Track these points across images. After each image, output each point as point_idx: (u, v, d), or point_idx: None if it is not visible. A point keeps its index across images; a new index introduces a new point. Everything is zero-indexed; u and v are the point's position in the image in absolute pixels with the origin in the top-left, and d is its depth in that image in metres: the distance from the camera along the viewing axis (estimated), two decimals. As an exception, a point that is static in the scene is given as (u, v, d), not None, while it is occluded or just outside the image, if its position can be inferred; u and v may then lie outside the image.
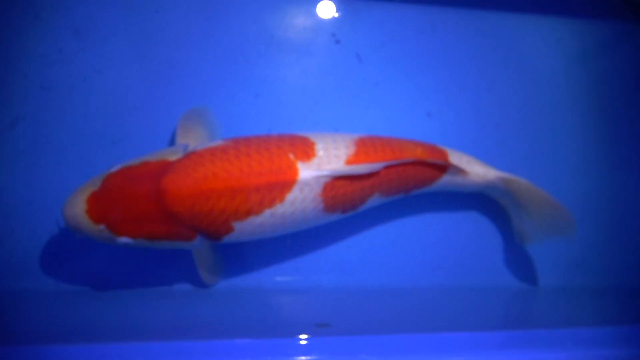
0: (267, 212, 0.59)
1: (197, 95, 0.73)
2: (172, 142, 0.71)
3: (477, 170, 0.69)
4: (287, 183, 0.59)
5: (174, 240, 0.59)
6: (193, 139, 0.65)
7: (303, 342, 0.49)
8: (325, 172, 0.60)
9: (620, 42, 0.84)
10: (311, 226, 0.65)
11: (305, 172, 0.59)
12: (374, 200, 0.66)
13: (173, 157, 0.59)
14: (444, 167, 0.68)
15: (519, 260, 0.77)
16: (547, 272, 0.77)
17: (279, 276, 0.72)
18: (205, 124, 0.68)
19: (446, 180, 0.69)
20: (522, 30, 0.82)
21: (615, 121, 0.82)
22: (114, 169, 0.58)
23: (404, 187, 0.67)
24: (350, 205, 0.64)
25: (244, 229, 0.60)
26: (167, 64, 0.73)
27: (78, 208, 0.56)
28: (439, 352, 0.49)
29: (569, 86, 0.81)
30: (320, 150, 0.62)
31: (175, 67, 0.73)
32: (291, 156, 0.60)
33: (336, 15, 0.78)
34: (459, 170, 0.68)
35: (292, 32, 0.77)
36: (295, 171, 0.59)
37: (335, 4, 0.78)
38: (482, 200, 0.76)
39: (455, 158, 0.69)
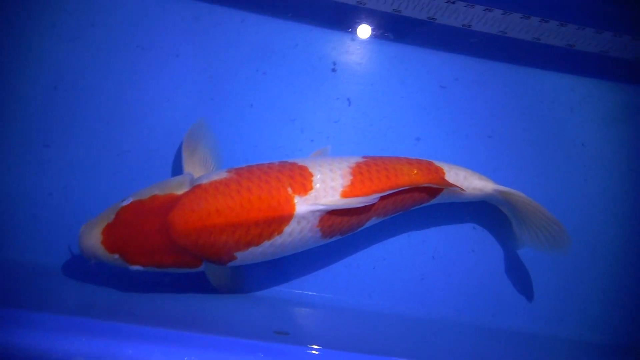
0: (267, 243, 0.63)
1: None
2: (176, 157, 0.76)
3: (474, 185, 0.72)
4: (285, 218, 0.62)
5: (181, 267, 0.64)
6: (199, 164, 0.70)
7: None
8: (321, 207, 0.63)
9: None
10: (309, 248, 0.69)
11: (302, 207, 0.63)
12: (372, 222, 0.69)
13: (180, 191, 0.64)
14: (439, 190, 0.70)
15: (519, 300, 0.78)
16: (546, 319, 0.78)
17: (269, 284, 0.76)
18: (207, 144, 0.72)
19: (444, 196, 0.71)
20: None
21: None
22: (126, 202, 0.63)
23: (402, 208, 0.70)
24: (348, 230, 0.68)
25: (245, 257, 0.64)
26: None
27: (95, 239, 0.62)
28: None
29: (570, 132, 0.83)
30: (317, 182, 0.64)
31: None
32: (289, 190, 0.63)
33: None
34: (455, 187, 0.70)
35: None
36: (292, 206, 0.63)
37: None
38: (482, 233, 0.79)
39: (452, 175, 0.70)
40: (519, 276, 0.79)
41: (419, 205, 0.71)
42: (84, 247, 0.62)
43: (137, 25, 0.79)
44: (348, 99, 0.80)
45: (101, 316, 0.55)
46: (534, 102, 0.83)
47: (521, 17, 0.75)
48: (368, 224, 0.69)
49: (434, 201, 0.71)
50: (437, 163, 0.71)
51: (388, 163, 0.68)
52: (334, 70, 0.81)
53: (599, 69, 0.83)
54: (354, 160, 0.68)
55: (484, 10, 0.74)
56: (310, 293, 0.76)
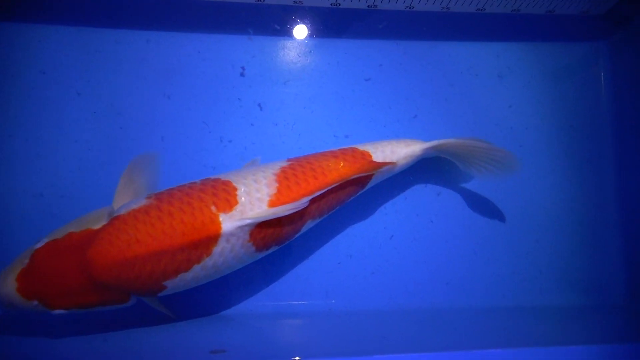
0: (197, 267, 0.60)
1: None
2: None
3: (404, 154, 0.71)
4: (212, 238, 0.59)
5: (108, 305, 0.61)
6: (131, 196, 0.66)
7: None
8: (248, 221, 0.60)
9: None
10: (248, 263, 0.66)
11: (228, 224, 0.60)
12: (308, 225, 0.67)
13: (97, 225, 0.60)
14: (370, 175, 0.69)
15: (501, 279, 0.79)
16: (534, 291, 0.79)
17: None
18: (147, 177, 0.68)
19: (378, 177, 0.70)
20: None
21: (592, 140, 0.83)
22: (39, 244, 0.59)
23: (336, 203, 0.68)
24: (284, 239, 0.65)
25: (176, 285, 0.61)
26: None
27: (9, 287, 0.57)
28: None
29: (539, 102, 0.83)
30: (242, 195, 0.62)
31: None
32: (213, 208, 0.60)
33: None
34: (388, 165, 0.69)
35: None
36: (218, 225, 0.60)
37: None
38: (468, 219, 0.79)
39: (379, 154, 0.69)
40: (481, 252, 0.79)
41: (354, 195, 0.70)
42: None
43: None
44: (259, 105, 0.78)
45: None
46: (460, 75, 0.83)
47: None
48: (304, 228, 0.67)
49: (369, 186, 0.70)
50: (361, 147, 0.70)
51: (314, 162, 0.66)
52: (242, 74, 0.79)
53: (522, 33, 0.84)
54: (278, 165, 0.66)
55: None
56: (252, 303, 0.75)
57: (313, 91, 0.80)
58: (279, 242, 0.65)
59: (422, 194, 0.79)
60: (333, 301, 0.76)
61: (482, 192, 0.80)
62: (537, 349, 0.55)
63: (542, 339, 0.65)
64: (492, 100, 0.82)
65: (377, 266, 0.77)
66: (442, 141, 0.71)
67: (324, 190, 0.64)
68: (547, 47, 0.84)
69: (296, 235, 0.67)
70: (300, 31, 0.81)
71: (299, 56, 0.81)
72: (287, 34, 0.81)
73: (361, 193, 0.71)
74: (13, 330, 0.67)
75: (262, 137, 0.78)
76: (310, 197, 0.63)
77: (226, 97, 0.78)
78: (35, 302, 0.58)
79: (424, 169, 0.78)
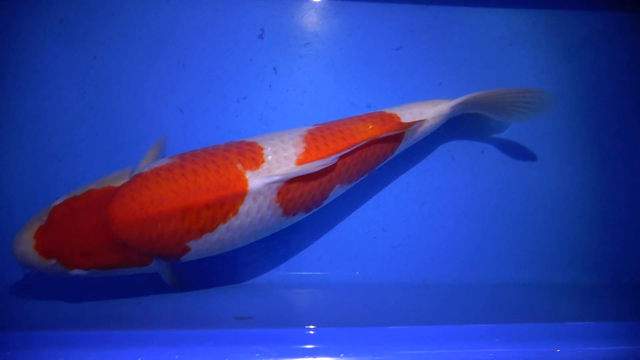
0: (222, 227, 0.57)
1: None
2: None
3: (432, 114, 0.68)
4: (238, 195, 0.57)
5: (129, 267, 0.58)
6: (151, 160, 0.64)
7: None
8: (276, 178, 0.58)
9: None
10: (275, 231, 0.64)
11: (255, 180, 0.57)
12: (337, 191, 0.64)
13: (118, 183, 0.57)
14: (401, 135, 0.66)
15: (518, 255, 0.76)
16: (549, 268, 0.76)
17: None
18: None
19: (407, 141, 0.68)
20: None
21: (615, 116, 0.79)
22: (58, 200, 0.57)
23: (366, 167, 0.65)
24: (312, 203, 0.62)
25: (200, 247, 0.58)
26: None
27: (27, 245, 0.55)
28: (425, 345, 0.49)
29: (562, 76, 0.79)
30: (268, 154, 0.59)
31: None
32: (239, 166, 0.58)
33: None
34: (417, 124, 0.66)
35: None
36: (244, 182, 0.57)
37: None
38: (480, 191, 0.76)
39: (408, 116, 0.67)
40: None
41: (384, 160, 0.67)
42: (17, 256, 0.55)
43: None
44: (274, 68, 0.76)
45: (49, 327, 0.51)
46: (492, 43, 0.79)
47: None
48: (332, 194, 0.64)
49: (398, 151, 0.67)
50: (389, 111, 0.67)
51: (342, 125, 0.64)
52: (261, 37, 0.76)
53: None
54: (304, 129, 0.63)
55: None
56: (277, 273, 0.73)
57: (335, 56, 0.77)
58: (307, 208, 0.62)
59: (444, 167, 0.77)
60: (357, 273, 0.74)
61: (502, 167, 0.77)
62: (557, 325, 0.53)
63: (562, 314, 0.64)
64: (523, 69, 0.79)
65: (401, 240, 0.75)
66: (470, 95, 0.68)
67: (353, 148, 0.61)
68: (582, 15, 0.80)
69: (323, 202, 0.64)
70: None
71: (323, 18, 0.77)
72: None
73: (388, 161, 0.69)
74: (41, 293, 0.66)
75: (281, 101, 0.76)
76: (339, 154, 0.60)
77: (243, 60, 0.76)
78: (53, 261, 0.55)
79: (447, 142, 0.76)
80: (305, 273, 0.73)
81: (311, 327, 0.50)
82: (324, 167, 0.59)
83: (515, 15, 0.79)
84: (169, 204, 0.55)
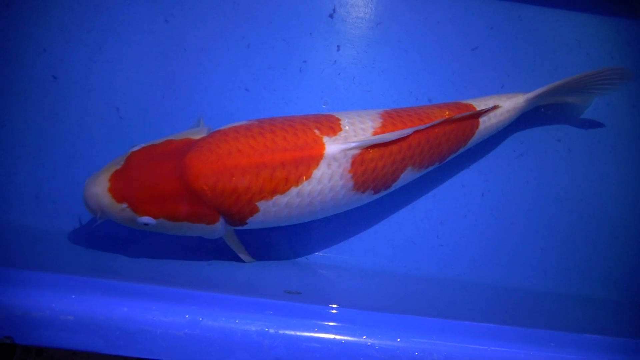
0: (294, 191, 0.57)
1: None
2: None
3: (507, 107, 0.67)
4: (314, 158, 0.57)
5: (196, 222, 0.58)
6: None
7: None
8: (352, 144, 0.58)
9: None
10: (341, 210, 0.63)
11: (332, 146, 0.57)
12: (407, 175, 0.64)
13: (197, 136, 0.58)
14: (476, 123, 0.65)
15: (536, 261, 0.75)
16: (562, 279, 0.75)
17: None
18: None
19: (480, 132, 0.67)
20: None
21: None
22: (136, 147, 0.57)
23: (438, 154, 0.64)
24: (383, 182, 0.62)
25: (268, 209, 0.58)
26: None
27: (101, 186, 0.55)
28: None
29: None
30: (346, 125, 0.60)
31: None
32: (317, 131, 0.58)
33: None
34: (491, 111, 0.66)
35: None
36: (321, 145, 0.57)
37: None
38: (502, 198, 0.75)
39: (482, 106, 0.66)
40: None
41: (456, 150, 0.66)
42: (88, 197, 0.55)
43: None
44: (338, 46, 0.75)
45: (111, 276, 0.51)
46: (565, 48, 0.78)
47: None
48: (402, 177, 0.63)
49: (471, 142, 0.67)
50: (464, 101, 0.67)
51: (417, 109, 0.65)
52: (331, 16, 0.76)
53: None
54: (381, 109, 0.64)
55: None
56: (323, 255, 0.73)
57: (404, 44, 0.76)
58: (376, 187, 0.62)
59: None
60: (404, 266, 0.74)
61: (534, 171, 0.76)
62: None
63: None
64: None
65: (448, 238, 0.74)
66: (545, 87, 0.68)
67: (430, 124, 0.61)
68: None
69: (392, 185, 0.64)
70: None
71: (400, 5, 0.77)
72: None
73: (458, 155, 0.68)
74: (107, 249, 0.66)
75: (343, 82, 0.75)
76: (416, 128, 0.60)
77: (311, 38, 0.75)
78: (125, 206, 0.55)
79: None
80: (348, 257, 0.73)
81: (334, 306, 0.51)
82: (400, 136, 0.59)
83: (600, 21, 0.78)
84: (246, 158, 0.55)
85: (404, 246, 0.74)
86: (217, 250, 0.69)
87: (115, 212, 0.56)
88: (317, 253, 0.73)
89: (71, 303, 0.45)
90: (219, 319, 0.47)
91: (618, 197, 0.76)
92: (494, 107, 0.66)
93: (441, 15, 0.76)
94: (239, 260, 0.67)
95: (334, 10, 0.76)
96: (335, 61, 0.75)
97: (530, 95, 0.68)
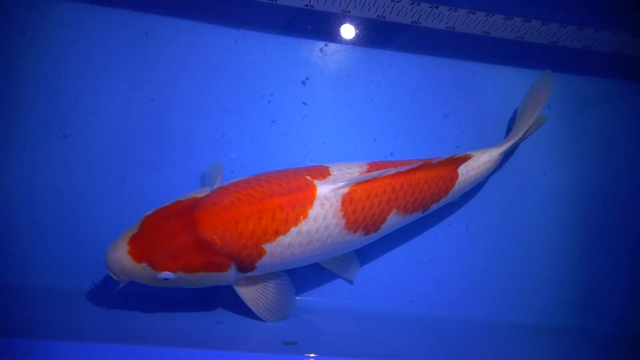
0: (294, 231, 0.62)
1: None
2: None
3: (483, 159, 0.74)
4: (308, 198, 0.63)
5: (210, 271, 0.62)
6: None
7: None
8: (341, 183, 0.64)
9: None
10: (337, 252, 0.68)
11: (323, 186, 0.63)
12: (394, 218, 0.68)
13: (202, 194, 0.64)
14: (455, 175, 0.71)
15: (510, 296, 0.81)
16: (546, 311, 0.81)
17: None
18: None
19: (461, 184, 0.73)
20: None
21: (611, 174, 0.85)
22: (149, 212, 0.62)
23: (421, 200, 0.70)
24: (372, 222, 0.67)
25: (274, 250, 0.63)
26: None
27: (121, 250, 0.60)
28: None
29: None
30: (334, 170, 0.66)
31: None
32: (308, 177, 0.64)
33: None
34: (465, 159, 0.72)
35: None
36: (313, 187, 0.63)
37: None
38: (489, 234, 0.81)
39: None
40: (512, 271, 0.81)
41: (438, 199, 0.72)
42: (110, 261, 0.60)
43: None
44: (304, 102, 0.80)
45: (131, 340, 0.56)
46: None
47: (504, 19, 0.78)
48: (389, 218, 0.68)
49: (451, 195, 0.73)
50: (443, 157, 0.73)
51: (401, 161, 0.72)
52: (304, 83, 0.81)
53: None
54: (368, 161, 0.71)
55: (467, 12, 0.77)
56: (318, 299, 0.77)
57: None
58: (367, 226, 0.67)
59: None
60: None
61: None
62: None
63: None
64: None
65: (445, 274, 0.80)
66: (511, 138, 0.76)
67: (412, 166, 0.67)
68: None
69: (381, 227, 0.68)
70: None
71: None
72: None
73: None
74: (120, 307, 0.69)
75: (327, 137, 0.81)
76: (399, 169, 0.66)
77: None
78: (144, 264, 0.60)
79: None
80: (337, 300, 0.78)
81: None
82: (383, 174, 0.65)
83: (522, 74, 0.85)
84: (247, 205, 0.61)
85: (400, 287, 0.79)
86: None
87: (137, 272, 0.60)
88: (307, 298, 0.77)
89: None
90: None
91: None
92: (467, 156, 0.73)
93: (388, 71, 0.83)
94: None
95: (307, 78, 0.81)
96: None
97: (502, 148, 0.75)
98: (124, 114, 0.76)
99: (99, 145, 0.75)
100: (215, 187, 0.67)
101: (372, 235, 0.69)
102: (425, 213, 0.73)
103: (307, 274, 0.75)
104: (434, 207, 0.73)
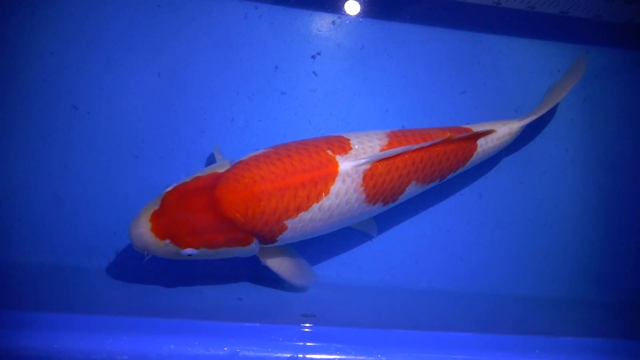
0: (315, 207, 0.62)
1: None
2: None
3: (502, 132, 0.74)
4: (330, 175, 0.62)
5: (233, 246, 0.62)
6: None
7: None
8: (363, 160, 0.63)
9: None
10: (355, 221, 0.69)
11: (345, 163, 0.63)
12: (412, 189, 0.69)
13: (222, 170, 0.63)
14: (474, 146, 0.72)
15: (528, 269, 0.81)
16: (557, 283, 0.81)
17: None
18: None
19: (479, 154, 0.73)
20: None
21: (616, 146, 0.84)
22: (170, 188, 0.62)
23: (440, 171, 0.70)
24: (391, 195, 0.67)
25: (295, 226, 0.63)
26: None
27: (144, 227, 0.60)
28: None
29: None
30: (355, 144, 0.65)
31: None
32: (329, 152, 0.64)
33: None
34: (487, 133, 0.72)
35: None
36: (335, 164, 0.63)
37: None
38: (497, 208, 0.81)
39: (479, 128, 0.73)
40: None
41: (455, 169, 0.72)
42: (134, 238, 0.60)
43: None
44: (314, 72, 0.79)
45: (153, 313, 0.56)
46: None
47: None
48: (407, 190, 0.68)
49: (469, 163, 0.73)
50: (463, 126, 0.74)
51: (422, 130, 0.71)
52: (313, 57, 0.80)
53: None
54: (388, 130, 0.70)
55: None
56: (335, 274, 0.77)
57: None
58: (385, 199, 0.67)
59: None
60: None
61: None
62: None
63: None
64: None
65: (453, 250, 0.80)
66: (535, 112, 0.76)
67: (432, 142, 0.67)
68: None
69: (399, 198, 0.69)
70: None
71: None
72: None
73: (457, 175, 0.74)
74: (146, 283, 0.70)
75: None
76: (420, 145, 0.66)
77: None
78: (168, 242, 0.60)
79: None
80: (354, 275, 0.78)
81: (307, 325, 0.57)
82: (405, 151, 0.65)
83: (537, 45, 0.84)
84: (270, 183, 0.61)
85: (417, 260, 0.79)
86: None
87: (160, 249, 0.60)
88: (325, 272, 0.77)
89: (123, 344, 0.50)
90: (254, 349, 0.53)
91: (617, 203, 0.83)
92: (489, 131, 0.73)
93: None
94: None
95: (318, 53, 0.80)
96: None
97: (524, 121, 0.75)
98: (133, 87, 0.75)
99: (112, 121, 0.75)
100: (233, 161, 0.66)
101: (390, 205, 0.70)
102: (442, 181, 0.73)
103: (325, 246, 0.75)
104: (451, 176, 0.73)
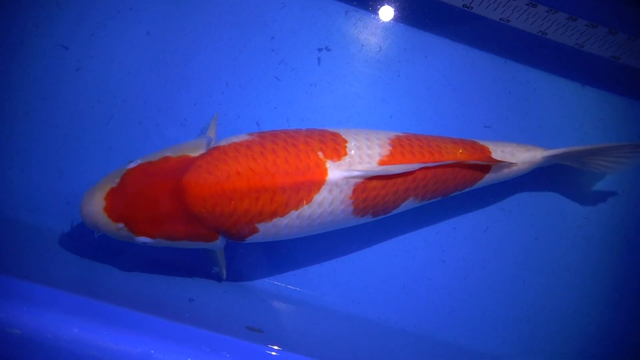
0: (294, 214, 0.56)
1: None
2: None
3: (523, 158, 0.66)
4: (315, 183, 0.55)
5: (195, 241, 0.56)
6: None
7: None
8: (356, 173, 0.56)
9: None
10: (340, 228, 0.62)
11: (335, 172, 0.56)
12: (408, 204, 0.62)
13: (195, 153, 0.56)
14: (487, 168, 0.64)
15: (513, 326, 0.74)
16: None
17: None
18: None
19: (491, 177, 0.65)
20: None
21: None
22: (134, 164, 0.55)
23: (443, 190, 0.63)
24: (382, 209, 0.61)
25: (268, 230, 0.56)
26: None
27: (96, 205, 0.53)
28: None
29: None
30: (352, 149, 0.58)
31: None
32: (320, 154, 0.56)
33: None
34: (506, 166, 0.64)
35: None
36: (324, 171, 0.55)
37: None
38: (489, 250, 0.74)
39: (499, 153, 0.65)
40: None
41: (462, 189, 0.64)
42: (84, 215, 0.54)
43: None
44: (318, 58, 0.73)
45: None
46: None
47: (567, 18, 0.69)
48: (404, 205, 0.62)
49: (479, 184, 0.65)
50: (481, 142, 0.65)
51: (431, 140, 0.62)
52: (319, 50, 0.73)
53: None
54: (392, 133, 0.62)
55: (527, 4, 0.68)
56: (297, 289, 0.70)
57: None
58: (376, 212, 0.60)
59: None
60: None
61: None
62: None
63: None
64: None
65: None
66: (566, 149, 0.66)
67: (438, 164, 0.59)
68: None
69: (393, 212, 0.62)
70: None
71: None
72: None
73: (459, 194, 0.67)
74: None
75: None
76: (424, 165, 0.59)
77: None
78: (121, 225, 0.54)
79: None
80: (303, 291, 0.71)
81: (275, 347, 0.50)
82: (406, 171, 0.58)
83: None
84: (245, 181, 0.54)
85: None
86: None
87: (112, 231, 0.54)
88: (289, 286, 0.70)
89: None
90: (170, 355, 0.46)
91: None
92: (510, 164, 0.64)
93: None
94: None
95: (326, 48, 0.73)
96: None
97: (549, 153, 0.66)
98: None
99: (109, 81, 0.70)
100: (211, 141, 0.59)
101: (381, 217, 0.62)
102: (445, 198, 0.66)
103: (292, 260, 0.69)
104: (455, 194, 0.65)
